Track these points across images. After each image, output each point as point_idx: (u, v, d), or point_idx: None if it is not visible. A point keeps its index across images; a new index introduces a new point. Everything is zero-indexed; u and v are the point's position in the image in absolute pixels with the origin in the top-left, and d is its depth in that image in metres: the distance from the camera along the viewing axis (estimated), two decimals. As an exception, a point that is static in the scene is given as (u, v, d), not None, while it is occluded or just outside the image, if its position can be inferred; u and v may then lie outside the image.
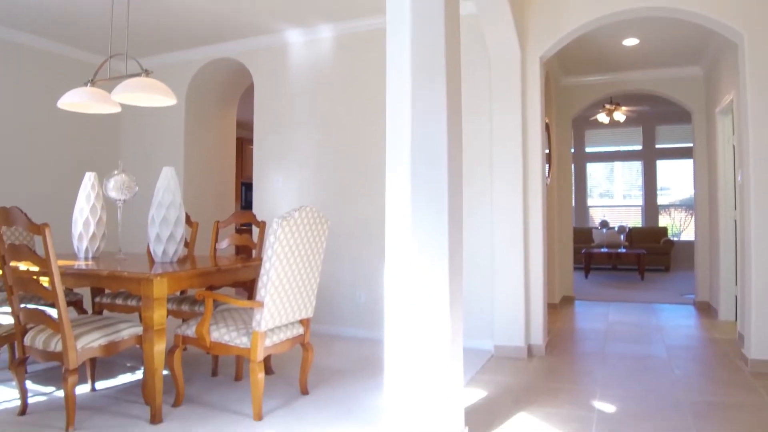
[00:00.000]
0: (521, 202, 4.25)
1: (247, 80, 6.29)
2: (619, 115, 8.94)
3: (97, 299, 3.90)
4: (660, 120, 11.06)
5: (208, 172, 6.15)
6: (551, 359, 4.24)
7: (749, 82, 3.77)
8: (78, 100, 3.51)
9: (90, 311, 5.26)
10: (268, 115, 5.29)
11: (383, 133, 4.69)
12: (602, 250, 10.28)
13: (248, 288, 3.90)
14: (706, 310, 6.38)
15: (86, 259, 3.58)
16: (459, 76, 2.48)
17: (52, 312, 2.64)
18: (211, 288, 3.75)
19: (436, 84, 2.29)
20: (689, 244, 11.11)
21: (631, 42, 5.49)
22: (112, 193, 3.51)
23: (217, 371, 3.63)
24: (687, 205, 11.52)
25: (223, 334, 2.85)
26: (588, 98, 6.86)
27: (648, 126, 11.28)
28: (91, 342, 2.69)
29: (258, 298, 2.76)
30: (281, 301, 2.85)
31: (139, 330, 2.88)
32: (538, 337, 4.41)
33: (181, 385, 2.99)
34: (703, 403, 3.19)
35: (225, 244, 4.16)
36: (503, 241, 4.29)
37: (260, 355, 2.77)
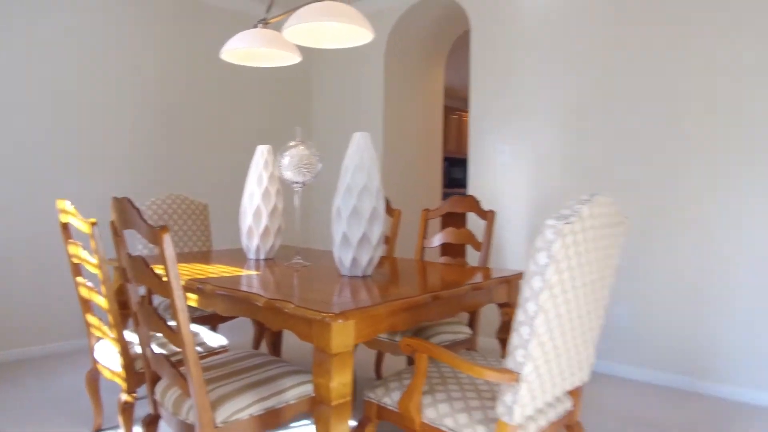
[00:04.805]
0: None
1: (458, 27, 5.03)
2: None
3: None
4: None
5: (412, 144, 5.05)
6: None
7: None
8: (244, 46, 2.55)
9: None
10: (490, 69, 3.97)
11: (700, 89, 3.10)
12: None
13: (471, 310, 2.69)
14: None
15: (256, 262, 2.65)
16: None
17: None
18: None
19: None
20: None
21: None
22: (288, 173, 2.51)
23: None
24: None
25: (443, 415, 1.65)
26: None
27: None
28: (237, 412, 1.67)
29: (510, 364, 1.50)
30: (548, 367, 1.56)
31: (312, 390, 1.82)
32: None
33: (376, 480, 1.88)
34: None
35: (437, 241, 2.99)
36: None
37: (509, 465, 1.53)
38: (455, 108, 8.88)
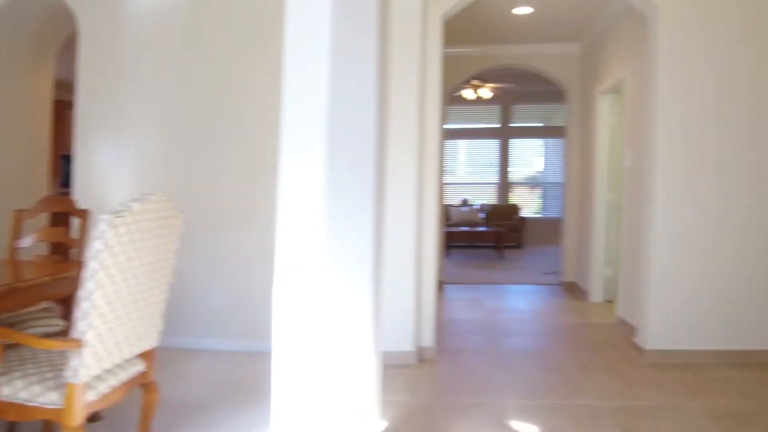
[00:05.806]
0: (415, 181, 3.65)
1: (69, 25, 4.96)
2: (486, 92, 8.76)
3: None
4: (516, 99, 11.12)
5: (15, 144, 4.78)
6: (444, 364, 3.75)
7: (661, 59, 3.49)
8: None
9: None
10: (98, 70, 4.10)
11: (258, 98, 3.79)
12: (462, 228, 10.19)
13: (65, 302, 2.87)
14: (573, 291, 6.38)
15: None
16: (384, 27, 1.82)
17: None
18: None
19: (365, 36, 1.64)
20: (537, 222, 11.58)
21: (523, 11, 5.09)
22: None
23: (15, 426, 2.59)
24: (532, 183, 12.20)
25: (18, 389, 1.88)
26: (466, 71, 6.47)
27: (505, 105, 11.34)
28: None
29: (75, 334, 1.83)
30: (112, 334, 1.95)
31: None
32: (429, 339, 3.89)
33: (-49, 466, 1.98)
34: (624, 410, 2.89)
35: (29, 241, 3.06)
36: (394, 226, 3.64)
37: (78, 418, 1.86)
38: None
